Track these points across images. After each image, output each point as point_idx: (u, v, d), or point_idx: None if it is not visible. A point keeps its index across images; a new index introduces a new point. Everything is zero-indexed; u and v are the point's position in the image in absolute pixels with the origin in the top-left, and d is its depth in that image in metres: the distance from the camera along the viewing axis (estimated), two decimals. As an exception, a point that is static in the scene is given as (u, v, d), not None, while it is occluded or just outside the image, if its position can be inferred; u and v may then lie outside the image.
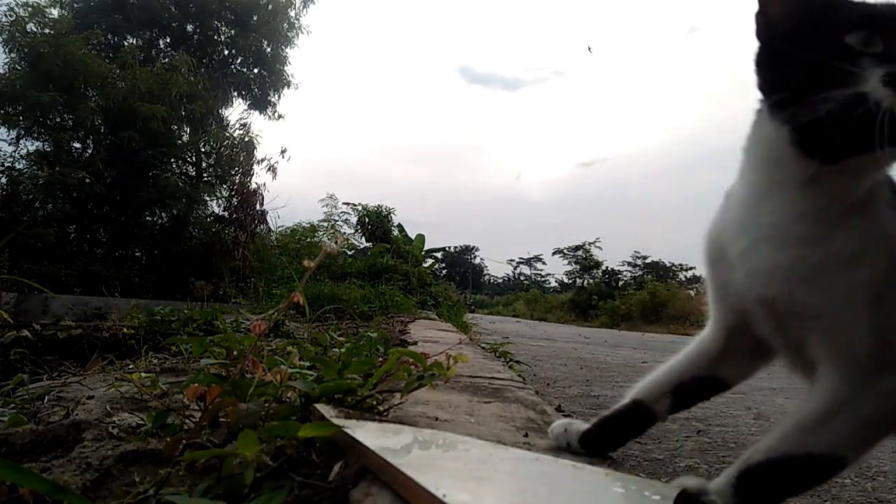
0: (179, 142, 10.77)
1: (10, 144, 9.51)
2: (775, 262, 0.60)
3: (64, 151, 9.72)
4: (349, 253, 11.05)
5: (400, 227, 13.35)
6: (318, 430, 0.51)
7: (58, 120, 9.70)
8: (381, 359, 0.89)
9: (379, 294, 6.78)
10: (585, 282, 31.34)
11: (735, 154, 0.67)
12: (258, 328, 0.66)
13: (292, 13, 12.29)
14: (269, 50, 12.14)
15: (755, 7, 0.63)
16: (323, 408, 0.65)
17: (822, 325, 0.60)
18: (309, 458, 0.54)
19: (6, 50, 9.28)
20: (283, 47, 12.35)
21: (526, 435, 0.79)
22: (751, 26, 0.64)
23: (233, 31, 11.96)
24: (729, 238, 0.67)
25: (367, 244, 12.55)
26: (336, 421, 0.57)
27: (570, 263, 35.71)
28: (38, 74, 8.99)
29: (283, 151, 11.44)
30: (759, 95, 0.64)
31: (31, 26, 9.39)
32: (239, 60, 12.25)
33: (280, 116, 12.44)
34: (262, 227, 11.08)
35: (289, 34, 12.28)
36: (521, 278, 53.83)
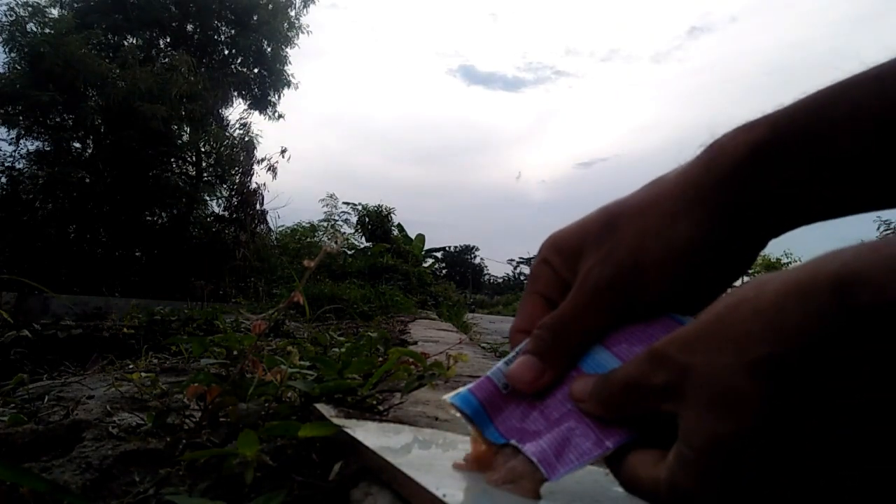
0: (179, 142, 10.77)
1: (10, 144, 9.53)
2: None
3: (64, 151, 9.73)
4: (349, 253, 11.07)
5: (400, 226, 13.36)
6: (318, 429, 0.51)
7: (58, 120, 9.70)
8: (381, 358, 0.89)
9: (379, 294, 6.79)
10: (585, 282, 31.29)
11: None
12: (258, 328, 0.66)
13: (292, 13, 12.30)
14: (269, 50, 12.15)
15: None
16: (323, 407, 0.65)
17: None
18: (309, 457, 0.54)
19: (6, 50, 9.29)
20: (283, 47, 12.35)
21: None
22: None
23: (233, 31, 11.97)
24: None
25: (367, 244, 12.57)
26: (336, 421, 0.57)
27: (570, 263, 35.64)
28: (38, 74, 8.99)
29: (283, 151, 11.47)
30: None
31: (31, 26, 9.39)
32: (239, 60, 12.24)
33: (280, 116, 12.46)
34: (262, 226, 11.09)
35: (289, 34, 12.29)
36: (521, 278, 53.81)
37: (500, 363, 0.40)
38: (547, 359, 0.38)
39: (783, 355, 0.24)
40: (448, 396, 0.40)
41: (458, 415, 0.39)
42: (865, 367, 0.22)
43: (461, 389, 0.40)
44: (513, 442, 0.37)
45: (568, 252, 0.40)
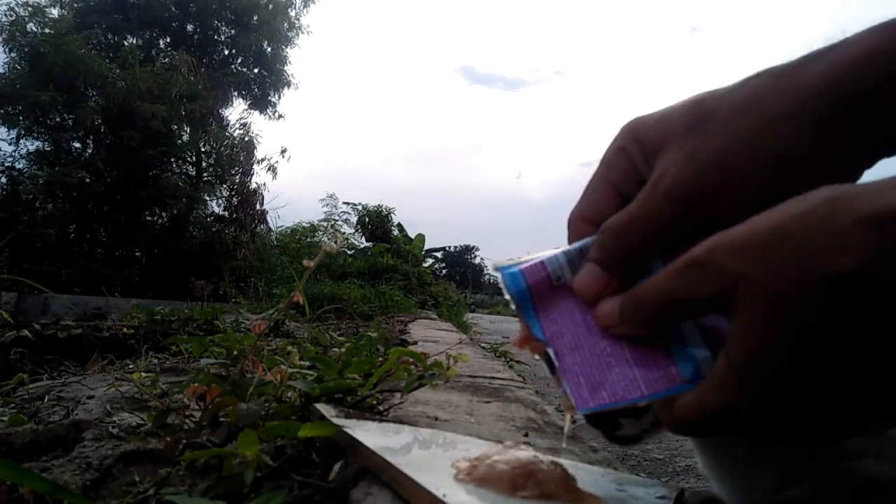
0: (179, 141, 10.77)
1: (10, 144, 9.53)
2: None
3: (64, 151, 9.73)
4: (349, 253, 11.05)
5: (400, 226, 13.34)
6: (318, 429, 0.51)
7: (58, 120, 9.71)
8: (381, 358, 0.89)
9: (379, 294, 6.78)
10: (585, 282, 31.29)
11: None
12: (258, 328, 0.66)
13: (292, 13, 12.32)
14: (269, 50, 12.15)
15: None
16: (323, 407, 0.65)
17: None
18: (309, 457, 0.54)
19: (6, 50, 9.29)
20: (283, 47, 12.37)
21: (526, 434, 0.79)
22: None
23: (233, 31, 11.98)
24: None
25: (367, 244, 12.55)
26: (336, 420, 0.57)
27: (570, 263, 35.67)
28: (38, 74, 9.00)
29: (283, 151, 11.48)
30: None
31: (31, 26, 9.39)
32: (239, 60, 12.26)
33: (280, 116, 12.48)
34: (262, 226, 11.10)
35: (289, 34, 12.31)
36: (521, 278, 53.62)
37: (558, 251, 0.36)
38: (613, 268, 0.34)
39: (858, 277, 0.23)
40: (496, 265, 0.37)
41: (503, 288, 0.36)
42: None
43: (511, 264, 0.36)
44: (549, 351, 0.34)
45: (648, 144, 0.35)
